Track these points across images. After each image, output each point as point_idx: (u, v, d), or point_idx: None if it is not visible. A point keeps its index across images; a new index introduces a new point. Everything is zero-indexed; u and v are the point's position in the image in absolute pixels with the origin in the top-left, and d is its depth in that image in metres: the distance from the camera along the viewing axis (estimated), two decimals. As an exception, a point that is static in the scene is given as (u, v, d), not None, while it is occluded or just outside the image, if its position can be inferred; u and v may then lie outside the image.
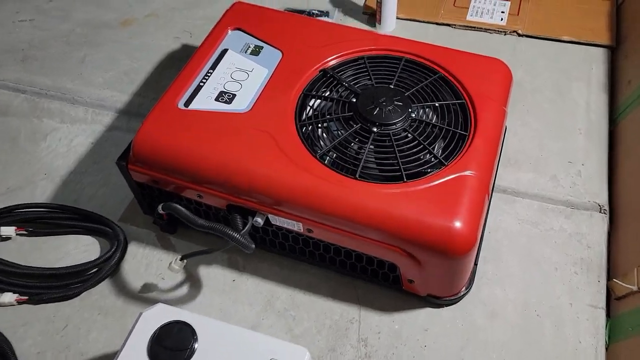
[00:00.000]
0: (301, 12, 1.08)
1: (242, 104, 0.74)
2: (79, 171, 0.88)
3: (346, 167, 0.68)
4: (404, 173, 0.67)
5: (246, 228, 0.67)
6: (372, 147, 0.70)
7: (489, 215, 0.77)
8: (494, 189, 0.81)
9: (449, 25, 1.06)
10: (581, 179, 0.84)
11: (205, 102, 0.74)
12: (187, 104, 0.74)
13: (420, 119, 0.73)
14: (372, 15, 1.08)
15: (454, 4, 1.09)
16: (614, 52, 1.01)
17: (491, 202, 0.80)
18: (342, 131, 0.72)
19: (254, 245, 0.66)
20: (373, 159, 0.70)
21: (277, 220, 0.70)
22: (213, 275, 0.77)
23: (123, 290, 0.75)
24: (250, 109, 0.73)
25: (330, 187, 0.66)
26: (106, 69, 1.02)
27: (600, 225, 0.80)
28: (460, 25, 1.05)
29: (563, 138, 0.89)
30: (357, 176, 0.67)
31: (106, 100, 0.97)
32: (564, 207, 0.82)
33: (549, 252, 0.77)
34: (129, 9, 1.13)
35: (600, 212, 0.81)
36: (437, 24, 1.06)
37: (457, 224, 0.63)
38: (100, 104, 0.97)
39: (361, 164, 0.68)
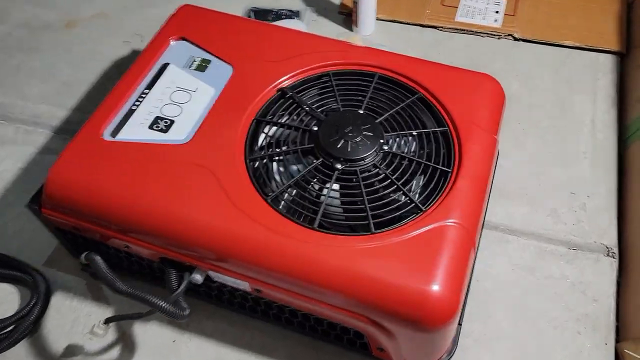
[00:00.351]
0: (268, 12, 0.95)
1: (180, 132, 0.62)
2: (4, 202, 0.76)
3: (303, 214, 0.56)
4: (372, 222, 0.55)
5: (179, 290, 0.55)
6: (335, 188, 0.58)
7: (477, 258, 0.66)
8: (483, 225, 0.69)
9: (435, 27, 0.93)
10: (586, 214, 0.72)
11: (136, 130, 0.62)
12: (114, 133, 0.62)
13: (394, 152, 0.60)
14: (349, 16, 0.95)
15: (441, 3, 0.95)
16: (624, 60, 0.88)
17: (480, 242, 0.68)
18: (300, 167, 0.60)
19: (187, 312, 0.55)
20: (337, 204, 0.58)
21: (219, 278, 0.58)
22: (150, 333, 0.65)
23: (43, 352, 0.64)
24: (190, 139, 0.61)
25: (282, 240, 0.54)
26: (44, 79, 0.90)
27: (608, 272, 0.68)
28: (448, 28, 0.92)
29: (565, 163, 0.77)
30: (315, 226, 0.55)
31: (41, 117, 0.85)
32: (565, 249, 0.70)
33: (547, 305, 0.66)
34: (75, 8, 1.00)
35: (607, 255, 0.69)
36: (422, 25, 0.93)
37: (435, 288, 0.51)
38: (33, 121, 0.84)
39: (321, 210, 0.56)
